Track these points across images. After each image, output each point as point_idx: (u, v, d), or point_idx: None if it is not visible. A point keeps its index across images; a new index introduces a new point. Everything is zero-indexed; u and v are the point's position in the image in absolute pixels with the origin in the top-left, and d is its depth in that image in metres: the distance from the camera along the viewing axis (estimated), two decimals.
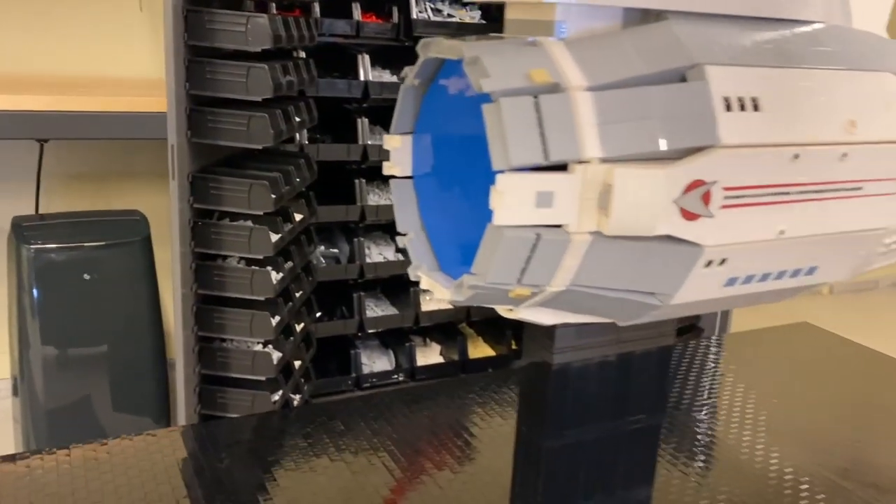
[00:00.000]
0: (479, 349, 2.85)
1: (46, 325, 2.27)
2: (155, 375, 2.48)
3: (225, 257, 1.98)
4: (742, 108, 0.56)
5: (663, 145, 0.54)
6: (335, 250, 2.69)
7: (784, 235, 0.60)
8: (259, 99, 1.84)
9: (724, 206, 0.56)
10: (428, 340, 2.87)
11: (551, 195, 0.52)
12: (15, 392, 2.38)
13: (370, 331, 2.65)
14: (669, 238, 0.56)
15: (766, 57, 0.60)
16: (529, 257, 0.54)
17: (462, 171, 0.62)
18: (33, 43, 2.57)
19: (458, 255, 0.62)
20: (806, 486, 1.00)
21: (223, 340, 2.03)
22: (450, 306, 2.72)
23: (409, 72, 0.63)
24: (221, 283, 1.95)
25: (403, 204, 0.67)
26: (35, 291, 2.24)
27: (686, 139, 0.55)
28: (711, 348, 1.41)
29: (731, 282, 0.62)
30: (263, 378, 2.06)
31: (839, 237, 0.64)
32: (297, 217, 2.15)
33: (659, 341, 0.72)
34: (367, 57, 2.48)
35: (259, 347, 2.05)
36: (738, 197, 0.57)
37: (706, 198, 0.55)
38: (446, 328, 2.85)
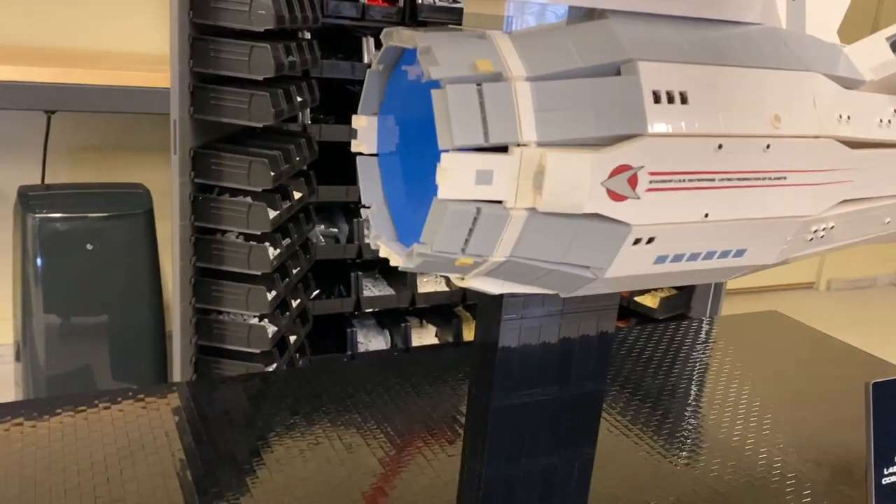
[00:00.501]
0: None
1: (49, 293, 2.34)
2: (153, 345, 2.55)
3: (224, 232, 2.04)
4: (670, 101, 0.62)
5: (594, 132, 0.60)
6: (335, 230, 2.75)
7: (709, 219, 0.66)
8: (261, 78, 1.89)
9: (650, 189, 0.62)
10: (424, 322, 2.93)
11: (491, 173, 0.58)
12: (17, 357, 2.46)
13: (367, 310, 2.71)
14: (599, 217, 0.62)
15: (698, 55, 0.65)
16: (471, 229, 0.59)
17: (418, 150, 0.68)
18: (43, 16, 2.62)
19: (413, 226, 0.68)
20: (751, 446, 1.06)
21: (220, 313, 2.10)
22: (445, 288, 2.79)
23: (374, 58, 0.69)
24: (219, 257, 2.02)
25: (368, 179, 0.73)
26: (39, 260, 2.31)
27: (616, 127, 0.60)
28: (679, 332, 1.47)
29: (661, 259, 0.67)
30: (258, 350, 2.12)
31: (764, 222, 0.69)
32: (297, 195, 2.21)
33: (601, 314, 0.78)
34: (371, 40, 2.52)
35: (255, 321, 2.11)
36: (663, 181, 0.62)
37: (633, 181, 0.61)
38: (442, 310, 2.91)
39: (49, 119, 2.56)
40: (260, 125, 1.91)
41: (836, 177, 0.72)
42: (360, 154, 0.72)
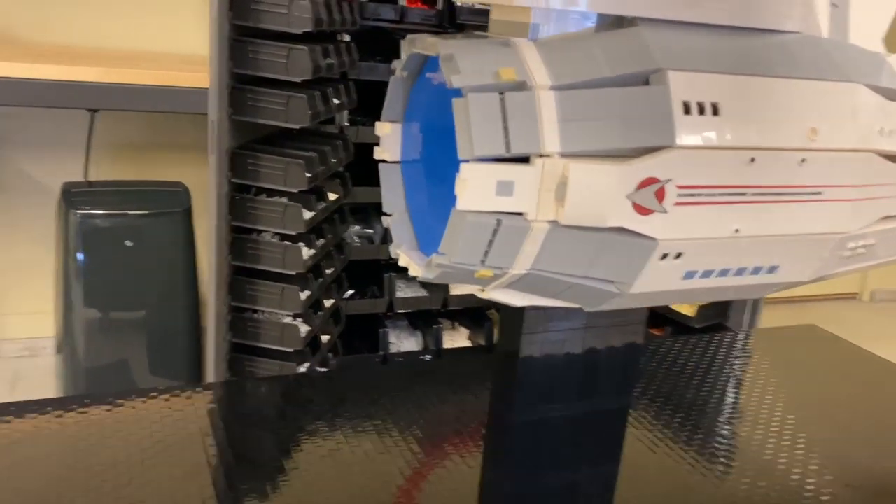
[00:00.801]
0: None
1: (89, 288, 2.38)
2: (189, 341, 2.58)
3: (260, 231, 2.06)
4: (701, 112, 0.60)
5: (620, 143, 0.58)
6: (369, 230, 2.76)
7: (739, 234, 0.64)
8: (299, 80, 1.90)
9: (678, 203, 0.60)
10: (456, 324, 2.92)
11: (512, 184, 0.57)
12: (58, 350, 2.51)
13: (399, 311, 2.71)
14: (625, 230, 0.60)
15: (732, 64, 0.63)
16: (491, 241, 0.58)
17: (441, 159, 0.67)
18: (88, 16, 2.67)
19: (434, 236, 0.67)
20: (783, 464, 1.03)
21: (254, 311, 2.11)
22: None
23: (398, 64, 0.68)
24: (255, 256, 2.03)
25: (390, 187, 0.72)
26: (80, 255, 2.35)
27: (643, 139, 0.59)
28: (712, 344, 1.43)
29: (690, 275, 0.65)
30: (291, 350, 2.14)
31: (797, 239, 0.67)
32: (332, 196, 2.22)
33: (629, 329, 0.76)
34: None
35: (288, 320, 2.12)
36: (691, 195, 0.60)
37: (660, 194, 0.59)
38: (474, 313, 2.90)
39: (92, 117, 2.61)
40: (297, 126, 1.92)
41: (876, 192, 0.69)
42: (384, 161, 0.72)
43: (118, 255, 2.40)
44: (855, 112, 0.67)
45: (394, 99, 0.70)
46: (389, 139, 0.71)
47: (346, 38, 2.39)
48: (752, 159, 0.62)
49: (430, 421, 1.07)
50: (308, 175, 1.90)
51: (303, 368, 2.22)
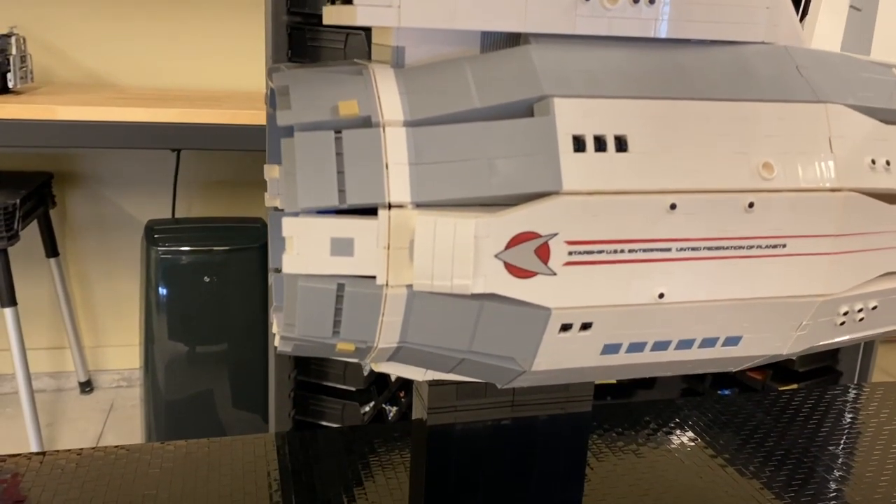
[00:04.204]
0: None
1: (170, 322, 2.43)
2: (267, 376, 2.58)
3: None
4: (600, 147, 0.47)
5: (488, 190, 0.47)
6: None
7: (666, 300, 0.50)
8: None
9: (571, 263, 0.48)
10: None
11: (351, 242, 0.46)
12: (142, 382, 2.57)
13: None
14: (504, 297, 0.48)
15: (650, 87, 0.50)
16: (339, 309, 0.48)
17: None
18: (170, 59, 2.76)
19: None
20: None
21: None
22: None
23: (265, 100, 0.59)
24: None
25: (279, 238, 0.63)
26: (161, 290, 2.41)
27: (520, 184, 0.47)
28: (848, 397, 1.23)
29: (612, 349, 0.52)
30: (354, 389, 2.09)
31: (756, 304, 0.52)
32: None
33: (569, 406, 0.63)
34: None
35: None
36: (588, 252, 0.48)
37: (543, 252, 0.47)
38: None
39: (178, 156, 2.68)
40: None
41: (868, 242, 0.54)
42: (275, 210, 0.63)
43: (198, 289, 2.45)
44: (831, 140, 0.52)
45: (273, 138, 0.61)
46: (278, 183, 0.62)
47: None
48: (673, 205, 0.48)
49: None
50: None
51: (366, 408, 2.16)
